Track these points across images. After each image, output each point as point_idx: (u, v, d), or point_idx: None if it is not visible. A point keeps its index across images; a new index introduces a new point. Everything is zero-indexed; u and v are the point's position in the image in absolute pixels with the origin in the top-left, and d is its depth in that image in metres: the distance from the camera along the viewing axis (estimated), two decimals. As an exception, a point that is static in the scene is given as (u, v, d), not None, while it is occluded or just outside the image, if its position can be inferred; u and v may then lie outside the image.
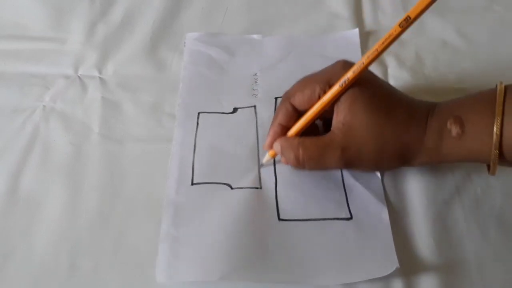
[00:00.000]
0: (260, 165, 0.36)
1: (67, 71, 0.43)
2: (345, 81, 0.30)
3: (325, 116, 0.32)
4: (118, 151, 0.37)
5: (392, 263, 0.30)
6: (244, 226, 0.32)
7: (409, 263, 0.31)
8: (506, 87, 0.28)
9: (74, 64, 0.43)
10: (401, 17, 0.30)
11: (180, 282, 0.30)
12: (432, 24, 0.45)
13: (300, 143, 0.31)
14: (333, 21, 0.46)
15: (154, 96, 0.41)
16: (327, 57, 0.42)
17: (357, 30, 0.44)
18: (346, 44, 0.44)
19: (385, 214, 0.33)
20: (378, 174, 0.35)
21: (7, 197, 0.35)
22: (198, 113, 0.39)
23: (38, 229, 0.33)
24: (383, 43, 0.29)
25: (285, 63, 0.43)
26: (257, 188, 0.34)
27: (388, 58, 0.43)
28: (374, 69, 0.41)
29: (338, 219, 0.32)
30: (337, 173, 0.35)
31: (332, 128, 0.31)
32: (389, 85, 0.32)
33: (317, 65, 0.42)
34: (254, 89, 0.41)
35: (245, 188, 0.34)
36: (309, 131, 0.33)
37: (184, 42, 0.45)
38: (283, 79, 0.41)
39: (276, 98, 0.40)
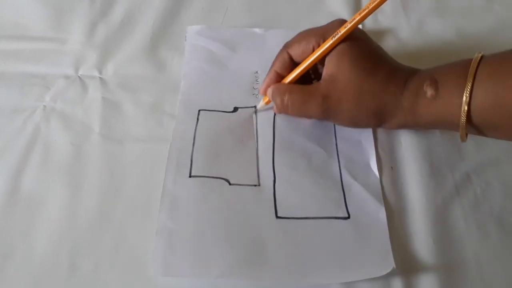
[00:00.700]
0: (255, 110, 0.38)
1: (67, 71, 0.43)
2: (337, 35, 0.32)
3: (319, 70, 0.35)
4: (118, 151, 0.37)
5: (388, 264, 0.30)
6: (242, 223, 0.32)
7: (408, 262, 0.31)
8: (482, 56, 0.29)
9: (74, 64, 0.43)
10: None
11: (177, 279, 0.30)
12: (432, 24, 0.45)
13: (287, 88, 0.34)
14: (333, 21, 0.46)
15: (154, 96, 0.41)
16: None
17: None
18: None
19: (382, 214, 0.33)
20: (377, 173, 0.35)
21: (8, 197, 0.35)
22: (199, 111, 0.39)
23: (38, 229, 0.33)
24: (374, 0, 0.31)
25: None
26: (255, 185, 0.34)
27: (388, 58, 0.43)
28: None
29: (335, 218, 0.32)
30: (336, 171, 0.35)
31: (321, 79, 0.33)
32: (378, 46, 0.34)
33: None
34: (254, 88, 0.41)
35: (243, 184, 0.34)
36: (303, 83, 0.35)
37: (185, 36, 0.45)
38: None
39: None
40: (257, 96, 0.40)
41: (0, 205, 0.34)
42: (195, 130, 0.37)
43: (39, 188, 0.35)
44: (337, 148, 0.36)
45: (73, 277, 0.31)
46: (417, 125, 0.33)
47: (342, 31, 0.32)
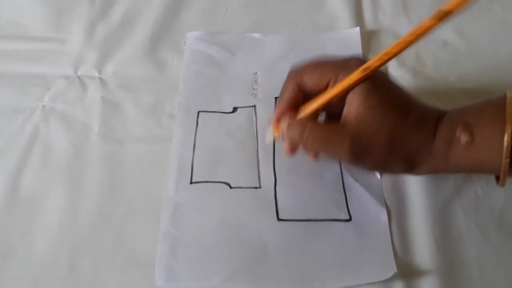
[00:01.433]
0: (263, 144, 0.36)
1: (67, 71, 0.43)
2: (367, 69, 0.29)
3: (328, 108, 0.32)
4: (118, 151, 0.37)
5: (390, 268, 0.30)
6: (243, 227, 0.32)
7: (409, 263, 0.31)
8: None
9: (74, 64, 0.43)
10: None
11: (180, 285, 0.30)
12: (432, 24, 0.45)
13: (307, 125, 0.30)
14: (333, 21, 0.46)
15: (154, 96, 0.41)
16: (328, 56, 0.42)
17: (358, 29, 0.44)
18: (347, 42, 0.44)
19: (383, 216, 0.33)
20: (378, 174, 0.35)
21: (7, 197, 0.35)
22: (198, 112, 0.39)
23: (38, 229, 0.33)
24: (412, 33, 0.29)
25: (286, 62, 0.42)
26: (256, 187, 0.34)
27: (388, 58, 0.43)
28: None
29: (337, 220, 0.32)
30: (337, 173, 0.35)
31: (342, 118, 0.30)
32: (401, 87, 0.32)
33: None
34: (254, 89, 0.41)
35: (244, 187, 0.34)
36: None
37: (185, 41, 0.45)
38: (284, 78, 0.41)
39: (276, 98, 0.40)
40: (256, 96, 0.40)
41: (0, 205, 0.34)
42: (195, 134, 0.37)
43: (38, 188, 0.35)
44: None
45: (73, 277, 0.31)
46: (450, 170, 0.31)
47: (374, 64, 0.28)
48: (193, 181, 0.35)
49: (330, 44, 0.44)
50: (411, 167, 0.30)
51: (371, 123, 0.29)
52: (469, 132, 0.28)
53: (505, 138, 0.27)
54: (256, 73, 0.42)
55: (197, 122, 0.38)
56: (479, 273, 0.30)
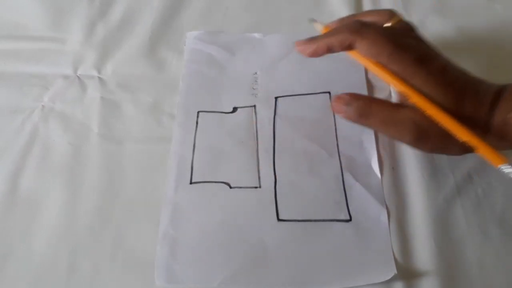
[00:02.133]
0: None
1: (66, 71, 0.43)
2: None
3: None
4: (118, 151, 0.37)
5: (390, 270, 0.30)
6: (243, 227, 0.32)
7: (409, 264, 0.31)
8: None
9: (73, 64, 0.43)
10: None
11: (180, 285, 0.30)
12: (432, 24, 0.45)
13: (373, 103, 0.31)
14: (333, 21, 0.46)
15: (154, 96, 0.41)
16: (328, 56, 0.42)
17: (358, 29, 0.44)
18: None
19: (384, 216, 0.33)
20: (378, 174, 0.35)
21: (7, 197, 0.35)
22: (198, 112, 0.39)
23: (37, 229, 0.33)
24: None
25: (286, 62, 0.43)
26: (256, 187, 0.34)
27: (388, 58, 0.43)
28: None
29: (337, 220, 0.32)
30: (337, 173, 0.35)
31: (402, 100, 0.31)
32: (454, 64, 0.31)
33: (318, 64, 0.42)
34: (254, 88, 0.41)
35: (244, 187, 0.34)
36: None
37: (185, 41, 0.45)
38: (284, 78, 0.41)
39: (276, 98, 0.40)
40: (256, 95, 0.40)
41: (0, 205, 0.34)
42: (195, 135, 0.37)
43: (38, 188, 0.35)
44: (338, 148, 0.36)
45: (73, 277, 0.31)
46: (505, 147, 0.31)
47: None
48: (193, 181, 0.35)
49: (330, 44, 0.44)
50: (469, 148, 0.30)
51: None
52: None
53: None
54: (256, 73, 0.42)
55: (197, 122, 0.38)
56: (479, 274, 0.30)
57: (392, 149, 0.36)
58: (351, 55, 0.32)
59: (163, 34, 0.46)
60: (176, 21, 0.47)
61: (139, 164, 0.36)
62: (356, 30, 0.31)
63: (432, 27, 0.45)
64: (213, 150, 0.36)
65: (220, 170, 0.35)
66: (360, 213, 0.33)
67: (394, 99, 0.39)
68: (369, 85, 0.40)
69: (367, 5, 0.47)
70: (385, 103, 0.31)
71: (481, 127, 0.29)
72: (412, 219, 0.33)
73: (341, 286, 0.30)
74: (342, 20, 0.36)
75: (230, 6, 0.48)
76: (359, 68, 0.41)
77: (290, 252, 0.31)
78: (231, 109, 0.39)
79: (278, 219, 0.33)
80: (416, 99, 0.29)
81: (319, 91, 0.40)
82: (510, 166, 0.27)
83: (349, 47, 0.31)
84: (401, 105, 0.31)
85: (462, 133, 0.28)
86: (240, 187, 0.34)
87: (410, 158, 0.36)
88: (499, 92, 0.30)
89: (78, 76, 0.42)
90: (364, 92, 0.39)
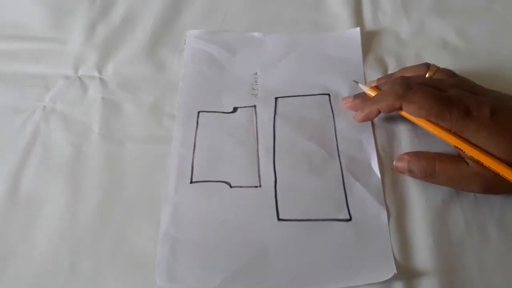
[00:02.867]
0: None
1: (67, 71, 0.43)
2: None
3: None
4: (118, 152, 0.37)
5: (390, 269, 0.30)
6: (244, 227, 0.32)
7: (408, 264, 0.31)
8: None
9: (74, 64, 0.43)
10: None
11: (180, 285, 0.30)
12: (432, 24, 0.45)
13: (436, 161, 0.32)
14: (333, 21, 0.46)
15: (154, 96, 0.41)
16: (328, 56, 0.43)
17: (358, 29, 0.44)
18: (347, 43, 0.44)
19: (383, 216, 0.33)
20: (378, 174, 0.35)
21: (7, 197, 0.35)
22: (198, 112, 0.39)
23: (38, 230, 0.33)
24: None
25: (286, 61, 0.43)
26: (256, 187, 0.34)
27: (388, 58, 0.43)
28: (375, 70, 0.42)
29: (337, 220, 0.32)
30: (338, 172, 0.35)
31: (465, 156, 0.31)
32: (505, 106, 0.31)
33: (318, 64, 0.42)
34: (254, 89, 0.41)
35: (244, 187, 0.34)
36: None
37: (185, 40, 0.45)
38: (284, 78, 0.41)
39: (276, 98, 0.40)
40: (256, 96, 0.40)
41: (0, 205, 0.34)
42: (195, 134, 0.37)
43: (39, 188, 0.35)
44: (338, 148, 0.36)
45: (73, 278, 0.31)
46: None
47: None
48: (193, 180, 0.35)
49: (330, 44, 0.44)
50: None
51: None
52: None
53: None
54: (256, 73, 0.42)
55: (197, 122, 0.38)
56: (479, 273, 0.30)
57: (391, 149, 0.36)
58: (403, 115, 0.33)
59: (164, 34, 0.46)
60: (176, 22, 0.47)
61: (139, 164, 0.36)
62: (402, 95, 0.32)
63: (432, 27, 0.45)
64: (214, 149, 0.37)
65: (220, 169, 0.35)
66: (360, 212, 0.33)
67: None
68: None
69: (367, 5, 0.47)
70: (448, 159, 0.32)
71: None
72: (412, 219, 0.33)
73: (341, 285, 0.30)
74: (388, 76, 0.38)
75: (230, 6, 0.48)
76: (359, 68, 0.42)
77: (290, 251, 0.31)
78: (231, 109, 0.39)
79: (278, 219, 0.33)
80: (471, 153, 0.30)
81: (319, 92, 0.40)
82: None
83: (398, 109, 0.33)
84: (464, 160, 0.31)
85: None
86: (241, 187, 0.34)
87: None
88: None
89: (79, 77, 0.42)
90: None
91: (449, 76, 0.35)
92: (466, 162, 0.31)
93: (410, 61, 0.42)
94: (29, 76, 0.43)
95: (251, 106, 0.39)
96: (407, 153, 0.34)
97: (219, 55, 0.43)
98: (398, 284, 0.30)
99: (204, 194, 0.34)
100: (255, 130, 0.38)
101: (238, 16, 0.47)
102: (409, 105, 0.32)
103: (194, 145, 0.37)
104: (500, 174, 0.30)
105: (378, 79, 0.38)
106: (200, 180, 0.35)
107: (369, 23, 0.46)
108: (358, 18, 0.46)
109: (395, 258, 0.31)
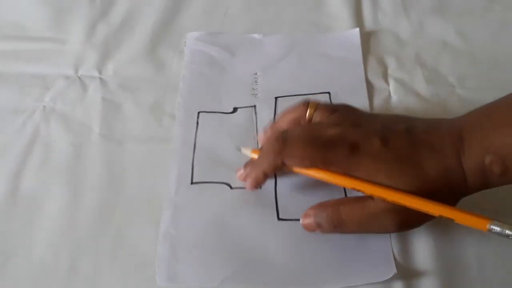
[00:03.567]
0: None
1: (67, 71, 0.43)
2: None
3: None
4: (118, 151, 0.37)
5: (390, 269, 0.30)
6: (244, 227, 0.32)
7: (408, 264, 0.31)
8: None
9: (74, 64, 0.43)
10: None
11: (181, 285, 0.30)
12: (432, 25, 0.45)
13: (340, 206, 0.29)
14: (333, 21, 0.46)
15: (154, 96, 0.41)
16: (327, 57, 0.43)
17: (357, 29, 0.44)
18: (346, 43, 0.44)
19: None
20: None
21: (7, 197, 0.35)
22: (198, 113, 0.39)
23: (38, 229, 0.33)
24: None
25: (286, 62, 0.43)
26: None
27: (388, 58, 0.43)
28: (375, 70, 0.42)
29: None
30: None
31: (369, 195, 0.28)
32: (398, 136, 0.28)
33: (318, 64, 0.42)
34: (254, 89, 0.41)
35: (244, 187, 0.34)
36: None
37: (185, 42, 0.45)
38: (283, 78, 0.41)
39: (276, 98, 0.40)
40: (256, 96, 0.40)
41: (0, 205, 0.34)
42: (196, 135, 0.37)
43: (39, 188, 0.35)
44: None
45: (73, 278, 0.31)
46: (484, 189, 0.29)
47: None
48: (193, 181, 0.35)
49: (329, 44, 0.44)
50: (455, 203, 0.28)
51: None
52: (501, 162, 0.26)
53: None
54: (256, 73, 0.42)
55: (197, 123, 0.38)
56: (479, 273, 0.30)
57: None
58: (295, 171, 0.30)
59: (164, 34, 0.46)
60: (176, 22, 0.47)
61: (140, 164, 0.36)
62: (279, 150, 0.30)
63: (432, 27, 0.45)
64: (214, 150, 0.37)
65: (220, 170, 0.35)
66: None
67: (394, 99, 0.40)
68: (369, 85, 0.40)
69: (366, 5, 0.48)
70: (352, 201, 0.29)
71: (456, 185, 0.27)
72: (412, 219, 0.33)
73: (341, 285, 0.30)
74: (265, 132, 0.35)
75: (230, 7, 0.48)
76: (358, 68, 0.42)
77: (290, 251, 0.31)
78: (231, 110, 0.39)
79: (278, 219, 0.33)
80: (369, 191, 0.27)
81: (319, 91, 0.40)
82: (498, 224, 0.26)
83: (283, 167, 0.30)
84: (369, 198, 0.28)
85: (431, 209, 0.27)
86: (241, 187, 0.34)
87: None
88: (458, 140, 0.27)
89: (79, 77, 0.43)
90: (364, 91, 0.40)
91: (331, 111, 0.31)
92: (372, 198, 0.28)
93: (410, 61, 0.42)
94: (29, 76, 0.43)
95: (251, 106, 0.39)
96: (312, 207, 0.31)
97: (219, 56, 0.43)
98: (398, 284, 0.30)
99: (204, 195, 0.34)
100: (255, 130, 0.38)
101: (238, 17, 0.47)
102: (291, 159, 0.29)
103: (194, 146, 0.37)
104: (409, 206, 0.27)
105: (264, 131, 0.35)
106: (201, 181, 0.35)
107: (369, 24, 0.46)
108: (358, 19, 0.46)
109: (395, 258, 0.31)
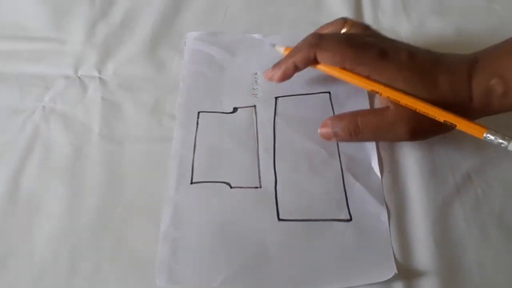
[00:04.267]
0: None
1: (67, 71, 0.43)
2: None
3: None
4: (118, 151, 0.37)
5: (390, 269, 0.30)
6: (244, 227, 0.32)
7: (409, 264, 0.31)
8: None
9: (74, 64, 0.43)
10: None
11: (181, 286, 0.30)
12: (432, 24, 0.45)
13: (358, 117, 0.32)
14: (333, 21, 0.46)
15: (154, 96, 0.41)
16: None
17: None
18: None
19: (384, 216, 0.33)
20: (378, 173, 0.35)
21: (7, 197, 0.35)
22: (198, 113, 0.39)
23: (38, 230, 0.33)
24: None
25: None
26: (256, 187, 0.34)
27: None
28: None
29: (337, 220, 0.32)
30: (338, 172, 0.35)
31: (385, 101, 0.31)
32: (423, 51, 0.32)
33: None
34: (254, 89, 0.41)
35: (244, 187, 0.34)
36: None
37: (185, 42, 0.45)
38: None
39: (276, 98, 0.40)
40: (256, 96, 0.40)
41: (0, 205, 0.34)
42: (196, 135, 0.37)
43: (39, 188, 0.35)
44: (338, 148, 0.36)
45: (73, 278, 0.31)
46: (488, 115, 0.32)
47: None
48: (193, 181, 0.35)
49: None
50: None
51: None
52: (503, 84, 0.29)
53: None
54: (256, 73, 0.42)
55: (197, 123, 0.38)
56: (479, 273, 0.30)
57: (392, 148, 0.36)
58: (319, 68, 0.33)
59: (164, 34, 0.46)
60: (176, 22, 0.47)
61: (139, 164, 0.36)
62: (315, 43, 0.32)
63: (432, 27, 0.45)
64: (214, 150, 0.37)
65: (220, 170, 0.35)
66: (360, 213, 0.33)
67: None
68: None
69: (367, 5, 0.47)
70: (370, 112, 0.32)
71: (462, 102, 0.30)
72: (412, 219, 0.33)
73: (342, 285, 0.30)
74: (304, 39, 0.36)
75: (230, 7, 0.48)
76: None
77: (290, 251, 0.31)
78: (231, 109, 0.39)
79: (279, 219, 0.33)
80: (386, 93, 0.30)
81: (319, 91, 0.40)
82: (492, 133, 0.28)
83: (313, 61, 0.32)
84: (385, 108, 0.31)
85: (438, 114, 0.29)
86: (241, 187, 0.34)
87: (410, 158, 0.36)
88: (472, 64, 0.30)
89: (79, 77, 0.42)
90: (364, 91, 0.39)
91: (365, 29, 0.35)
92: (388, 108, 0.31)
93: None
94: (29, 76, 0.43)
95: (251, 106, 0.39)
96: (330, 118, 0.33)
97: (219, 56, 0.43)
98: (399, 284, 0.30)
99: (204, 195, 0.34)
100: (255, 130, 0.38)
101: (238, 17, 0.47)
102: (323, 53, 0.31)
103: (194, 146, 0.37)
104: (419, 110, 0.30)
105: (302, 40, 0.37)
106: (201, 181, 0.35)
107: (369, 23, 0.46)
108: (358, 18, 0.46)
109: (395, 258, 0.31)
